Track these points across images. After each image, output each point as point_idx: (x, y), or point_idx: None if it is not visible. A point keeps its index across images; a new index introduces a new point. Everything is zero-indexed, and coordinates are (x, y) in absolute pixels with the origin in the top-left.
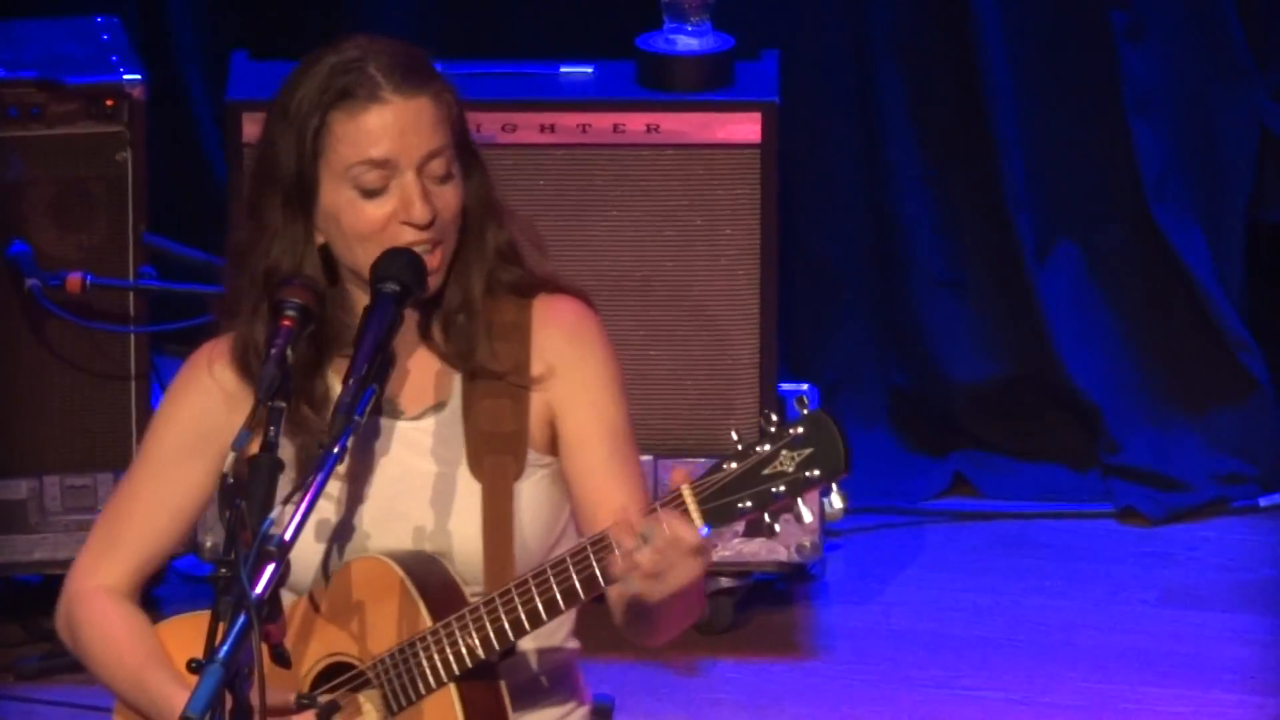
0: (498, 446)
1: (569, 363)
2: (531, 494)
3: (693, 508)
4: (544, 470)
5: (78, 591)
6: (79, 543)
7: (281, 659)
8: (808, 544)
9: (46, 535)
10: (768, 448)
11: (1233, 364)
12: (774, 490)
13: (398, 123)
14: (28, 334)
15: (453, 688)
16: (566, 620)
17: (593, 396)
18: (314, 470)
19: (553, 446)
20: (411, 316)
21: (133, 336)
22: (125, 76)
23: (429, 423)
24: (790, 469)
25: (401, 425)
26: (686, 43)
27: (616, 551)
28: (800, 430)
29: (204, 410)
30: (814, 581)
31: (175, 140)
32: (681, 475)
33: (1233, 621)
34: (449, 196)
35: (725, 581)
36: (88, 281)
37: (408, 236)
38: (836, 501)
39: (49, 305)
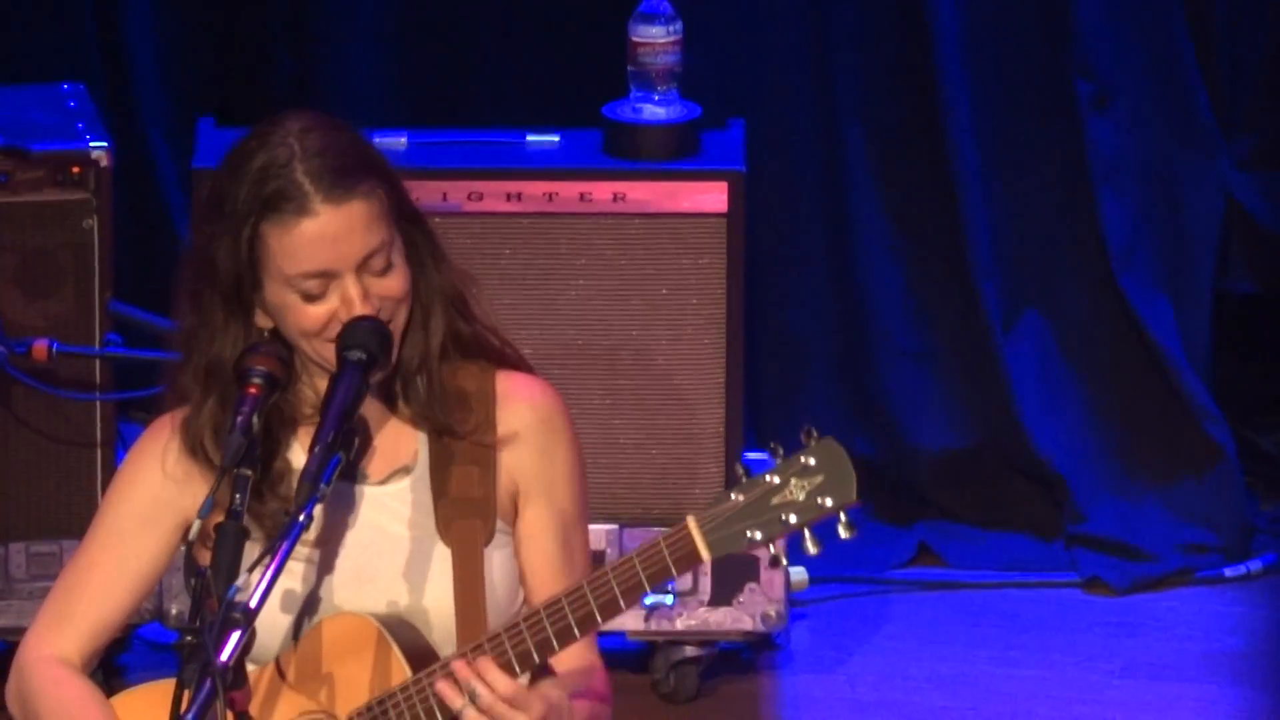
0: (466, 511)
1: (538, 447)
2: (501, 561)
3: (699, 538)
4: (509, 538)
5: (31, 661)
6: None
7: None
8: (773, 613)
9: (11, 602)
10: (776, 478)
11: (1199, 434)
12: (784, 519)
13: (330, 233)
14: None
15: None
16: None
17: (554, 489)
18: (280, 538)
19: (515, 519)
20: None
21: (99, 404)
22: (91, 144)
23: (395, 487)
24: (801, 497)
25: (368, 490)
26: (653, 111)
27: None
28: (811, 459)
29: (161, 480)
30: (779, 651)
31: (142, 207)
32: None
33: (1198, 692)
34: (392, 283)
35: (690, 650)
36: (54, 349)
37: None
38: (843, 532)
39: (15, 372)
